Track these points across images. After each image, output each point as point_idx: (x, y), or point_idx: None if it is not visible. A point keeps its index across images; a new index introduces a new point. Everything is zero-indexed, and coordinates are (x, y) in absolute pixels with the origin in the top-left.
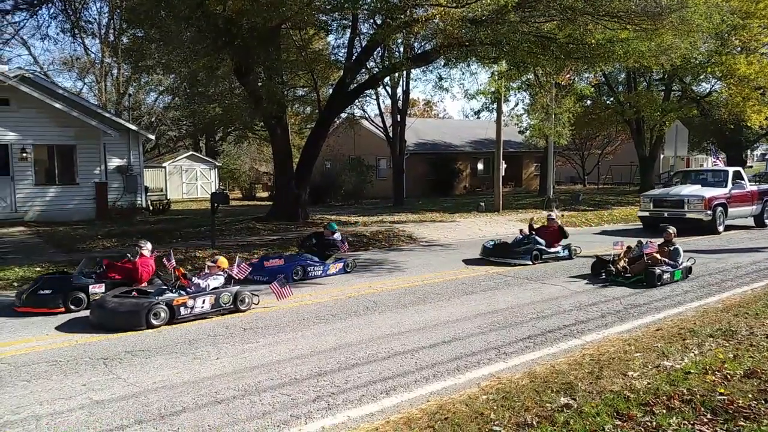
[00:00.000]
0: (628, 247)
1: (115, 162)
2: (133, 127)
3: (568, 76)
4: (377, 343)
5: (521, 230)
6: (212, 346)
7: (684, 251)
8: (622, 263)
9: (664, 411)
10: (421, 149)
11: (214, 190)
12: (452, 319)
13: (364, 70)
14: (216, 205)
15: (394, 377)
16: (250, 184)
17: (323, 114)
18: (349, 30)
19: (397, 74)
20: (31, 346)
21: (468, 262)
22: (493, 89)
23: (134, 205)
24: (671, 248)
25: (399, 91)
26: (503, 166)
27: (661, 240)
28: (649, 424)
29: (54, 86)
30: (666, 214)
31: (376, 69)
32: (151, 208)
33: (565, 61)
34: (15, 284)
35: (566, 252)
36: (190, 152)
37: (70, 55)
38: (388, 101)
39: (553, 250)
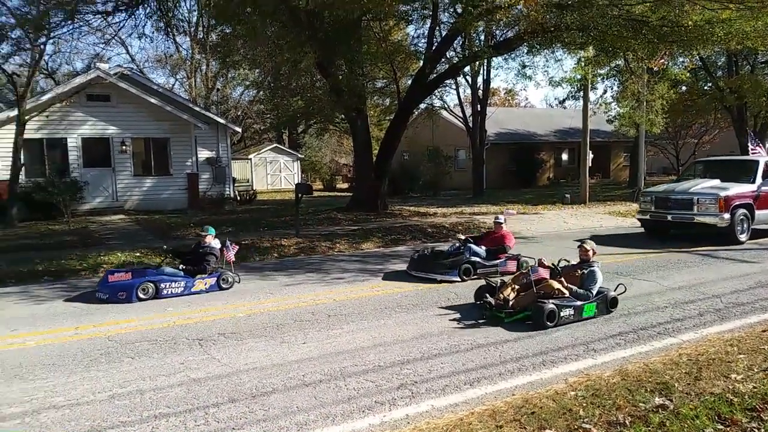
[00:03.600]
0: (542, 266)
1: (205, 154)
2: (222, 121)
3: (662, 60)
4: (459, 334)
5: (458, 235)
6: (299, 331)
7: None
8: (508, 291)
9: None
10: (502, 139)
11: (298, 181)
12: None
13: (444, 59)
14: (300, 195)
15: (478, 369)
16: (330, 175)
17: (402, 105)
18: (430, 20)
19: (477, 63)
20: (133, 326)
21: (553, 255)
22: (579, 76)
23: (223, 195)
24: (585, 271)
25: (479, 80)
26: (590, 156)
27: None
28: (756, 430)
29: (149, 82)
30: (670, 218)
31: (456, 58)
32: (238, 198)
33: (658, 45)
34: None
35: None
36: (274, 144)
37: (163, 52)
38: (468, 91)
39: (492, 263)
